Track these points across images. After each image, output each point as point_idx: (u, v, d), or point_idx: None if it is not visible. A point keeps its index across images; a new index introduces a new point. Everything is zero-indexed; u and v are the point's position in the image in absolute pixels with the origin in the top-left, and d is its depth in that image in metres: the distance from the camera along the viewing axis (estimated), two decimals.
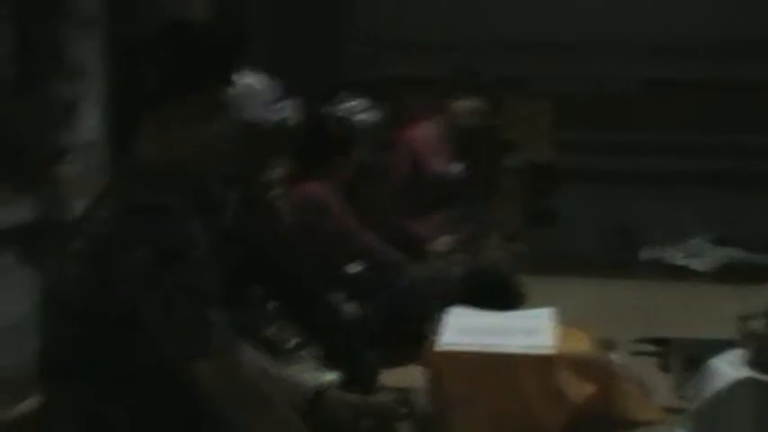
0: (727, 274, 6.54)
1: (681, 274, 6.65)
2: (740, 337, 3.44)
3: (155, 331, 2.24)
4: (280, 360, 3.08)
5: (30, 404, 3.14)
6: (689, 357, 3.95)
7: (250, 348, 2.56)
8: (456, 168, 5.40)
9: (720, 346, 3.55)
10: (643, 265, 6.89)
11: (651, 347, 4.54)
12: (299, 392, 2.63)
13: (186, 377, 2.24)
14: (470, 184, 5.51)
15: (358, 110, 4.49)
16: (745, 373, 3.28)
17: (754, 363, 3.28)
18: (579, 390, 3.52)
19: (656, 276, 6.56)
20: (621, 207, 7.33)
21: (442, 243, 5.04)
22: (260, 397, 2.33)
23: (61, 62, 4.62)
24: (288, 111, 3.48)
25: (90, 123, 4.77)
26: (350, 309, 4.20)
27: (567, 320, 3.81)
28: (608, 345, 3.87)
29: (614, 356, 3.83)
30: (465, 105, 5.38)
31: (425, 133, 5.43)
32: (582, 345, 3.73)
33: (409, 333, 4.01)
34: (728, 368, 3.32)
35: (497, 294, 4.50)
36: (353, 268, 4.52)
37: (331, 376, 3.30)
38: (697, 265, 6.79)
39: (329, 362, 3.45)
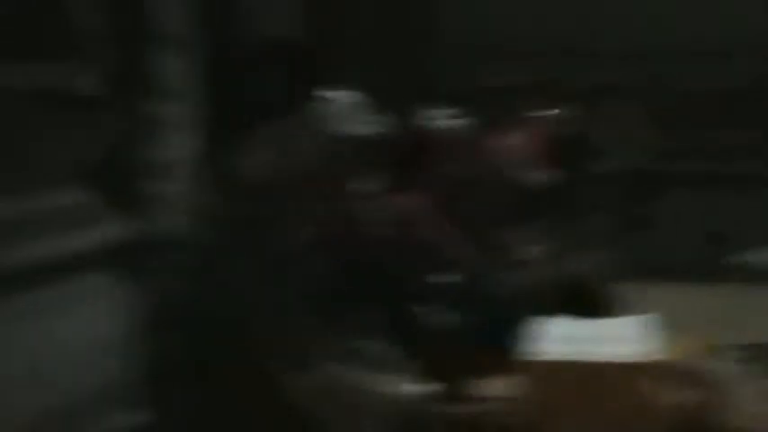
0: None
1: None
2: None
3: (258, 343, 2.28)
4: (372, 371, 3.09)
5: (129, 420, 3.19)
6: None
7: (345, 359, 2.58)
8: (545, 177, 5.38)
9: None
10: (742, 271, 6.79)
11: (754, 354, 4.48)
12: (391, 404, 2.64)
13: (286, 388, 2.27)
14: (560, 192, 5.48)
15: (447, 120, 4.49)
16: None
17: None
18: (680, 397, 3.48)
19: (757, 281, 6.47)
20: (717, 211, 7.24)
21: (532, 252, 5.02)
22: (354, 408, 2.35)
23: (152, 81, 4.69)
24: (379, 124, 3.50)
25: (181, 141, 4.83)
26: (442, 319, 4.20)
27: (667, 328, 3.77)
28: (714, 351, 3.83)
29: (717, 364, 3.79)
30: (554, 113, 5.36)
31: (515, 142, 5.42)
32: (685, 352, 3.69)
33: (501, 343, 4.00)
34: None
35: (588, 303, 4.46)
36: (447, 278, 4.52)
37: (424, 388, 3.31)
38: None
39: (422, 373, 3.45)
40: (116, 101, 4.53)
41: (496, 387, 3.74)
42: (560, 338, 3.64)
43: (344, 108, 3.39)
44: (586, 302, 4.46)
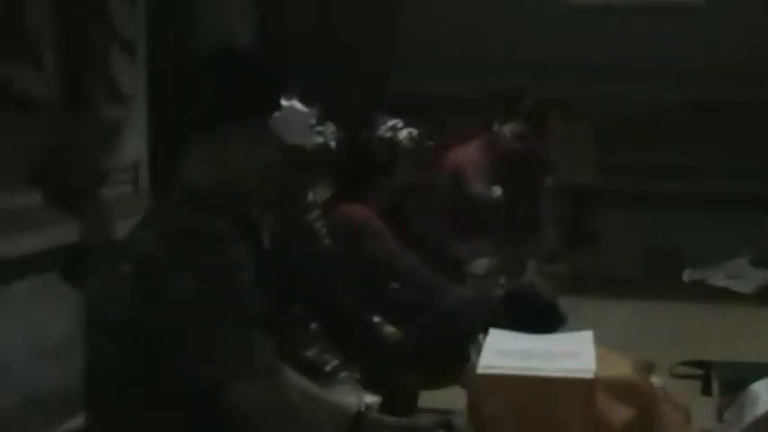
0: None
1: (723, 295, 6.62)
2: None
3: (198, 354, 2.27)
4: (320, 382, 3.09)
5: (70, 426, 3.17)
6: (730, 381, 3.92)
7: (290, 370, 2.58)
8: (497, 191, 5.41)
9: (762, 370, 3.53)
10: (685, 287, 6.87)
11: (693, 371, 4.52)
12: (339, 415, 2.65)
13: (228, 399, 2.26)
14: (511, 206, 5.51)
15: (400, 130, 4.49)
16: None
17: None
18: (619, 414, 3.50)
19: (698, 298, 6.54)
20: (663, 229, 7.32)
21: (483, 265, 5.04)
22: (300, 419, 2.35)
23: (104, 84, 4.67)
24: (329, 133, 3.51)
25: (133, 145, 4.82)
26: (390, 330, 4.20)
27: (608, 343, 3.79)
28: (649, 367, 3.85)
29: (655, 379, 3.81)
30: (507, 128, 5.40)
31: (468, 155, 5.45)
32: (622, 367, 3.70)
33: (449, 355, 4.01)
34: None
35: (538, 317, 4.49)
36: (394, 290, 4.53)
37: (371, 398, 3.31)
38: (738, 286, 6.76)
39: (369, 384, 3.46)
40: (66, 104, 4.51)
41: (445, 399, 3.75)
42: (509, 352, 3.65)
43: (295, 117, 3.39)
44: (535, 316, 4.48)
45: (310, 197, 3.75)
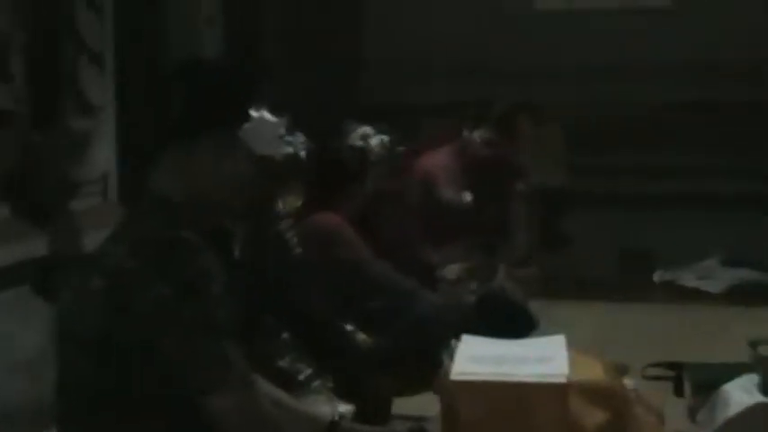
0: (739, 296, 6.54)
1: (693, 296, 6.65)
2: (751, 363, 3.44)
3: (172, 365, 2.27)
4: (293, 391, 3.09)
5: None
6: (701, 382, 3.94)
7: (263, 380, 2.58)
8: (467, 196, 5.43)
9: (733, 371, 3.55)
10: (656, 288, 6.89)
11: (664, 372, 4.54)
12: (312, 424, 2.65)
13: (203, 411, 2.26)
14: (481, 211, 5.53)
15: (370, 137, 4.50)
16: (756, 399, 3.28)
17: (765, 389, 3.29)
18: (592, 417, 3.51)
19: (669, 299, 6.56)
20: (634, 230, 7.34)
21: (454, 271, 5.06)
22: (274, 430, 2.35)
23: (73, 96, 4.66)
24: (298, 143, 3.51)
25: (101, 157, 4.81)
26: (362, 338, 4.21)
27: (580, 345, 3.81)
28: (621, 370, 3.87)
29: (627, 382, 3.83)
30: (477, 134, 5.42)
31: (438, 161, 5.46)
32: (594, 370, 3.71)
33: (422, 361, 4.01)
34: (741, 394, 3.32)
35: (509, 321, 4.50)
36: (366, 297, 4.53)
37: (344, 407, 3.32)
38: (708, 286, 6.79)
39: (342, 392, 3.46)
40: (35, 117, 4.50)
41: (419, 405, 3.76)
42: (482, 358, 3.66)
43: (265, 126, 3.39)
44: (506, 321, 4.50)
45: (280, 206, 3.75)
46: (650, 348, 4.89)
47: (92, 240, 3.95)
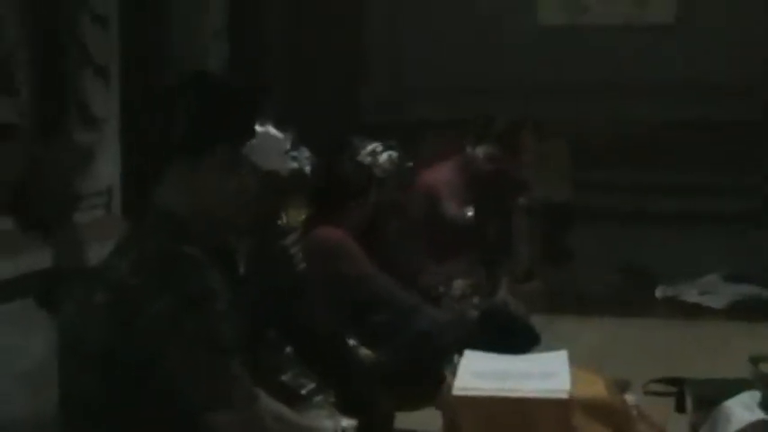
0: (741, 311, 6.54)
1: (695, 311, 6.66)
2: (752, 379, 3.45)
3: (175, 381, 2.27)
4: (296, 405, 3.10)
5: None
6: (703, 398, 3.95)
7: (267, 395, 2.59)
8: (470, 211, 5.44)
9: (734, 386, 3.56)
10: (658, 304, 6.89)
11: (666, 388, 4.55)
12: None
13: (205, 427, 2.27)
14: (484, 226, 5.54)
15: (375, 154, 4.50)
16: (758, 415, 3.28)
17: (766, 405, 3.29)
18: None
19: (670, 315, 6.57)
20: (637, 246, 7.34)
21: (457, 286, 5.05)
22: None
23: (77, 109, 4.67)
24: (303, 158, 3.53)
25: (106, 170, 4.81)
26: (366, 353, 4.21)
27: (582, 361, 3.82)
28: (623, 385, 3.87)
29: (629, 397, 3.84)
30: (480, 150, 5.44)
31: (441, 176, 5.47)
32: (596, 386, 3.72)
33: (425, 376, 4.02)
34: (742, 411, 3.33)
35: (512, 336, 4.50)
36: (370, 312, 4.53)
37: (347, 422, 3.32)
38: (710, 302, 6.80)
39: (345, 407, 3.46)
40: (40, 130, 4.51)
41: (422, 421, 3.76)
42: (484, 374, 3.66)
43: (270, 142, 3.40)
44: (509, 336, 4.50)
45: (284, 221, 3.76)
46: (652, 364, 4.90)
47: (95, 253, 3.96)
